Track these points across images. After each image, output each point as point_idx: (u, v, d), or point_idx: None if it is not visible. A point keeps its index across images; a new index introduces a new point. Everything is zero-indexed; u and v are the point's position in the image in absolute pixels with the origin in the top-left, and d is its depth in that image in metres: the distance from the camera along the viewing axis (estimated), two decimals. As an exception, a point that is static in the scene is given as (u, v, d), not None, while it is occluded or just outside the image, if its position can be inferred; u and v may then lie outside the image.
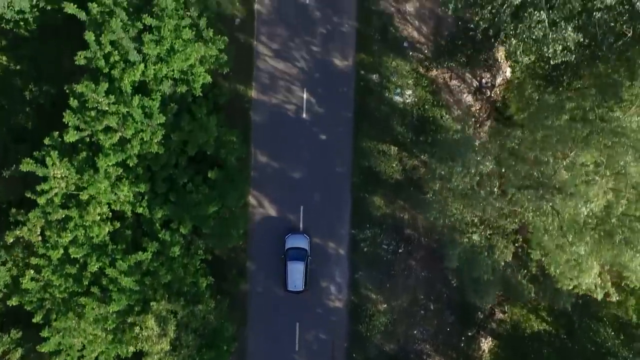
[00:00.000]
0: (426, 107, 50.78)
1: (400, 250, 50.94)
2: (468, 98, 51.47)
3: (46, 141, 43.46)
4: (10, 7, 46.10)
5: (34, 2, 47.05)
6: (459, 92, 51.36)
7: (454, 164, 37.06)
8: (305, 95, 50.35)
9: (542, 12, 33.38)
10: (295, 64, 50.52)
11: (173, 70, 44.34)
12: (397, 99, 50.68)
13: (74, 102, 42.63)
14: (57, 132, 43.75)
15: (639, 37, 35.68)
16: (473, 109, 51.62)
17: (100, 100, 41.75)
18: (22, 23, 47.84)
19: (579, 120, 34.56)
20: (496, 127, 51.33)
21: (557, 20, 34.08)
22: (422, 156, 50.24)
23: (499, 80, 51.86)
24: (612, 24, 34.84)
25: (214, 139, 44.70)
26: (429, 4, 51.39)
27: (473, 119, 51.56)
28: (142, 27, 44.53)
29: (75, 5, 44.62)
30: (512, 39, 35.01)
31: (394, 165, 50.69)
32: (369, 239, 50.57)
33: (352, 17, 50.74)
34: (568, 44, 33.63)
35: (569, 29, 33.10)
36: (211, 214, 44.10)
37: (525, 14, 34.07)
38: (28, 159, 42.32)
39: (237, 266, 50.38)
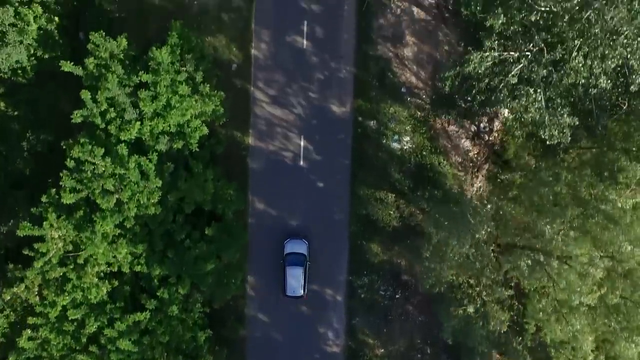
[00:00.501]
0: (424, 153, 50.67)
1: (397, 296, 51.15)
2: (466, 143, 51.31)
3: (43, 199, 43.54)
4: (8, 61, 45.81)
5: (32, 52, 46.80)
6: (457, 137, 51.19)
7: (450, 235, 37.11)
8: (302, 143, 50.23)
9: (538, 92, 33.23)
10: (292, 111, 50.34)
11: (169, 125, 44.33)
12: (395, 145, 50.55)
13: (70, 163, 42.64)
14: (55, 189, 43.86)
15: (634, 110, 35.57)
16: (471, 153, 51.49)
17: (96, 163, 41.75)
18: (19, 71, 47.64)
19: (574, 200, 34.58)
20: (494, 170, 51.46)
21: (553, 97, 33.94)
22: (419, 202, 50.24)
23: (497, 124, 51.60)
24: (607, 101, 34.72)
25: (211, 195, 44.80)
26: (427, 49, 51.04)
27: (471, 164, 51.50)
28: (138, 82, 44.48)
29: (72, 63, 44.73)
30: (509, 114, 34.92)
31: (392, 212, 50.69)
32: (366, 285, 50.77)
33: (350, 63, 50.44)
34: (564, 129, 33.53)
35: (565, 114, 33.00)
36: (209, 271, 44.29)
37: (522, 92, 33.92)
38: (25, 222, 42.43)
39: (236, 312, 50.60)
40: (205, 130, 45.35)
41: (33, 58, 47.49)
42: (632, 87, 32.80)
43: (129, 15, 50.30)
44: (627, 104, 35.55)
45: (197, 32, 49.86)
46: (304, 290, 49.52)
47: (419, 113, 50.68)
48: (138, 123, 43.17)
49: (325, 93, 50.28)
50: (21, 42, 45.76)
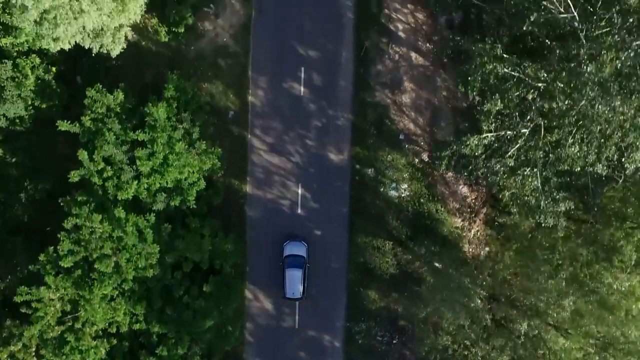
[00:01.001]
0: (421, 200, 50.65)
1: (394, 341, 51.44)
2: (464, 189, 51.23)
3: (41, 257, 43.72)
4: (6, 115, 45.90)
5: (29, 103, 46.71)
6: (454, 183, 51.12)
7: (444, 307, 37.32)
8: (300, 191, 50.20)
9: (534, 171, 33.21)
10: (290, 158, 50.25)
11: (167, 182, 44.34)
12: (393, 193, 50.52)
13: (68, 224, 42.76)
14: (52, 247, 43.99)
15: (629, 187, 35.56)
16: (469, 199, 51.48)
17: (94, 226, 41.85)
18: (17, 120, 47.59)
19: (570, 283, 34.73)
20: (492, 214, 51.51)
21: (550, 176, 33.92)
22: (416, 249, 50.37)
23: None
24: (603, 176, 34.68)
25: (209, 253, 44.94)
26: (425, 94, 50.79)
27: (469, 209, 51.52)
28: (135, 138, 44.42)
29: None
30: (506, 192, 34.95)
31: (389, 259, 50.80)
32: (364, 331, 51.05)
33: (348, 110, 50.24)
34: (559, 217, 33.56)
35: (560, 200, 33.03)
36: (208, 328, 44.58)
37: (519, 172, 33.89)
38: (22, 287, 42.64)
39: (235, 359, 51.05)
40: (203, 184, 45.39)
41: (31, 107, 47.43)
42: (627, 170, 32.78)
43: (126, 61, 49.88)
44: (622, 178, 35.50)
45: (194, 78, 49.82)
46: (304, 293, 49.39)
47: (416, 160, 50.60)
48: (135, 182, 43.25)
49: (322, 140, 50.15)
50: (19, 95, 45.72)
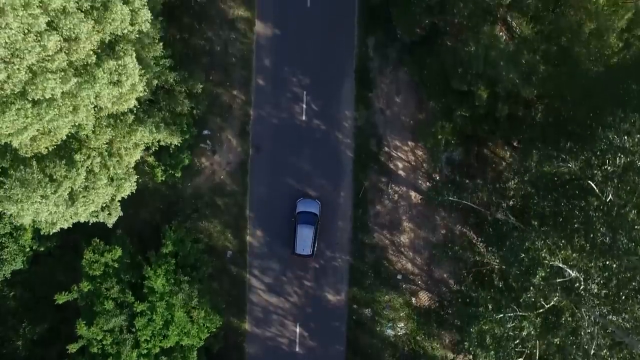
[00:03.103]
0: (417, 339, 51.27)
1: None
2: (459, 325, 51.87)
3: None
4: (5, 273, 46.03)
5: (27, 250, 46.63)
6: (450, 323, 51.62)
7: None
8: (298, 330, 50.70)
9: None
10: (288, 299, 50.54)
11: (166, 345, 44.77)
12: (389, 332, 51.07)
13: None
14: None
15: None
16: (464, 333, 52.15)
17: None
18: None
19: None
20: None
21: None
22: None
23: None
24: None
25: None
26: (423, 234, 50.72)
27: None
28: (133, 300, 44.57)
29: (66, 292, 44.75)
30: None
31: (384, 397, 51.94)
32: None
33: (346, 252, 50.28)
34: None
35: None
36: None
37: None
38: None
39: None
40: (202, 343, 45.89)
41: (29, 251, 47.36)
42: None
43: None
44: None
45: (191, 219, 49.59)
46: (313, 250, 49.38)
47: (413, 300, 50.98)
48: (135, 351, 43.71)
49: (320, 282, 50.37)
50: (18, 248, 45.70)
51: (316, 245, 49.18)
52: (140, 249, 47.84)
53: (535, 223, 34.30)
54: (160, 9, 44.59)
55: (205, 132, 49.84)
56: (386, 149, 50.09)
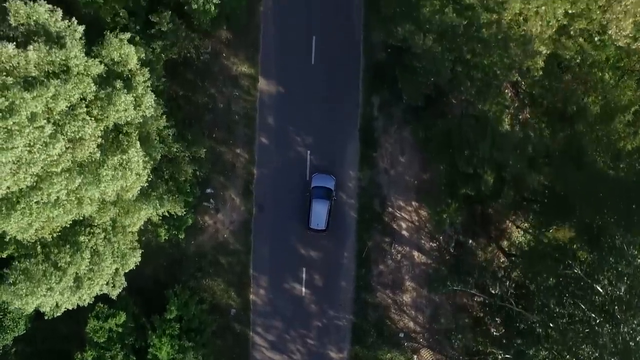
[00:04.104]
0: (419, 395, 51.74)
1: None
2: (461, 380, 52.26)
3: None
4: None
5: (30, 313, 46.68)
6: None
7: None
8: (301, 387, 51.12)
9: None
10: (291, 356, 50.71)
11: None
12: (391, 389, 51.45)
13: None
14: None
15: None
16: (465, 388, 52.57)
17: None
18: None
19: None
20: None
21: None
22: None
23: None
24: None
25: None
26: (425, 292, 50.73)
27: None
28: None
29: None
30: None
31: None
32: None
33: (349, 311, 50.33)
34: None
35: None
36: None
37: None
38: None
39: None
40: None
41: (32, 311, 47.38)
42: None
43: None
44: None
45: (194, 277, 49.53)
46: (327, 225, 49.09)
47: (415, 357, 51.19)
48: None
49: (322, 340, 50.50)
50: (19, 312, 45.69)
51: (330, 220, 48.53)
52: (144, 309, 47.87)
53: (541, 331, 34.33)
54: (162, 73, 44.13)
55: (209, 190, 49.58)
56: (390, 209, 49.91)
